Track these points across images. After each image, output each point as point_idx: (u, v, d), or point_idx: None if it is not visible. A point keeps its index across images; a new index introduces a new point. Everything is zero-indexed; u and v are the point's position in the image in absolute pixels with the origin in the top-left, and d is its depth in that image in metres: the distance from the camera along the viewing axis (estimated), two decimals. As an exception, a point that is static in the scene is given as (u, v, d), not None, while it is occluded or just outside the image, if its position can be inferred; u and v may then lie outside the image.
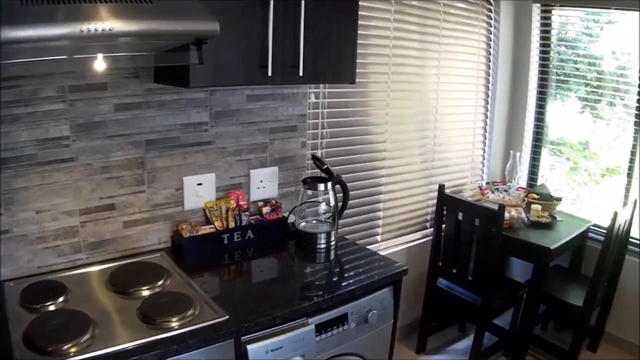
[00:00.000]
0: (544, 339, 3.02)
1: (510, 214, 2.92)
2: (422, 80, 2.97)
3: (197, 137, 2.09)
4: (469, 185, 3.42)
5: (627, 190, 3.09)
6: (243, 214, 2.18)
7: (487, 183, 3.36)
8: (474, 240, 2.75)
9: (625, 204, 3.10)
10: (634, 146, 3.04)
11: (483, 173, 3.51)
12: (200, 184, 2.13)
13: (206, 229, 2.10)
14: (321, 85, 2.47)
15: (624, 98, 3.16)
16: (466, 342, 3.25)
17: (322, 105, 2.53)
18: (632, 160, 3.06)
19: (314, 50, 1.92)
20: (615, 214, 2.59)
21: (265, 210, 2.29)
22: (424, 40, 2.90)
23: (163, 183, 2.03)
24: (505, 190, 3.21)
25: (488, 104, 3.39)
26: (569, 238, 2.86)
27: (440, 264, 2.95)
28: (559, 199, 3.16)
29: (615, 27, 3.15)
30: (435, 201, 3.16)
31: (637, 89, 2.99)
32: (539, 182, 3.54)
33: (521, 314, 2.94)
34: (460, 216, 2.81)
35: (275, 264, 2.14)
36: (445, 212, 2.88)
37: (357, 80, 2.13)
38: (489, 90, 3.36)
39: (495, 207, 2.63)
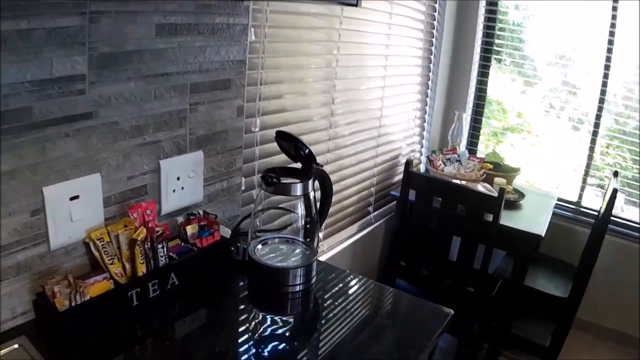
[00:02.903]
0: (518, 335, 2.50)
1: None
2: (372, 31, 2.19)
3: (67, 105, 1.04)
4: (405, 155, 2.72)
5: (590, 158, 2.70)
6: (159, 246, 1.20)
7: (434, 152, 2.69)
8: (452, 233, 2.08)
9: (586, 172, 2.71)
10: (600, 108, 2.64)
11: (423, 139, 2.84)
12: (75, 197, 1.10)
13: (99, 283, 1.08)
14: (261, 15, 1.54)
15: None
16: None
17: (262, 49, 1.60)
18: (597, 125, 2.65)
19: None
20: (615, 192, 2.09)
21: (190, 230, 1.32)
22: None
23: (7, 205, 0.97)
24: (458, 161, 2.58)
25: (431, 62, 2.70)
26: (549, 218, 2.33)
27: (403, 263, 2.23)
28: (516, 169, 2.63)
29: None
30: (378, 178, 2.45)
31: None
32: (480, 147, 3.00)
33: (497, 311, 2.36)
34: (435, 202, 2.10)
35: (230, 336, 1.15)
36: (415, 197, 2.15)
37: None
38: (432, 46, 2.68)
39: (479, 188, 1.98)
